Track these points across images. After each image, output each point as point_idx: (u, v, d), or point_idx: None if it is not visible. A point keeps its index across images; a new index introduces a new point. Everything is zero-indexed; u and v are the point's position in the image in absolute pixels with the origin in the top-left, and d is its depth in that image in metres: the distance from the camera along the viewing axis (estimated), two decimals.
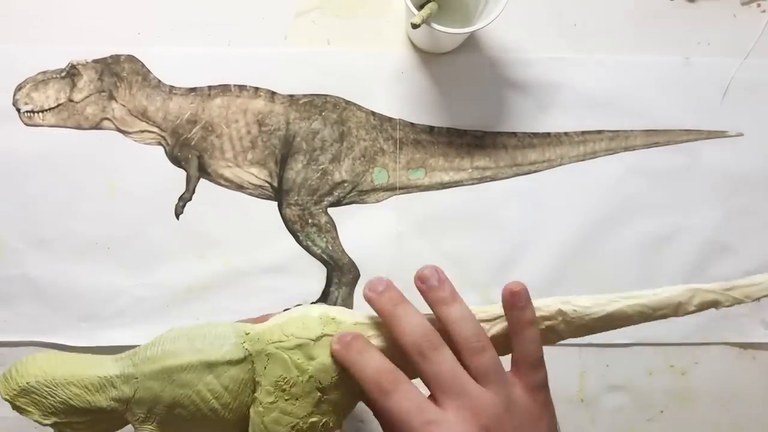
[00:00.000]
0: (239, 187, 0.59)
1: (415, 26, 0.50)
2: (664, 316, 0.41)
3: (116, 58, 0.59)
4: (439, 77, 0.60)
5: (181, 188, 0.59)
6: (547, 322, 0.43)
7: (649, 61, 0.61)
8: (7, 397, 0.43)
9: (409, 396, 0.37)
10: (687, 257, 0.60)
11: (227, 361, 0.42)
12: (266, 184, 0.59)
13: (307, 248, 0.59)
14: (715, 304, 0.41)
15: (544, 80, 0.60)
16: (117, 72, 0.59)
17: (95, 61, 0.59)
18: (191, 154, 0.59)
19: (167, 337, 0.43)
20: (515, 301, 0.40)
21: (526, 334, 0.40)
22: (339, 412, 0.42)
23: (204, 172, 0.59)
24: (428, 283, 0.40)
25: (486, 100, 0.60)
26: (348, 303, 0.59)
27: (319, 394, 0.41)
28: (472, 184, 0.60)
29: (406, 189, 0.60)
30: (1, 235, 0.58)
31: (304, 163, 0.59)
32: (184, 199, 0.59)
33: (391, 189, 0.60)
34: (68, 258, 0.58)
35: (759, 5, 0.62)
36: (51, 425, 0.44)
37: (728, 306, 0.41)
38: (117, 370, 0.43)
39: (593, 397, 0.60)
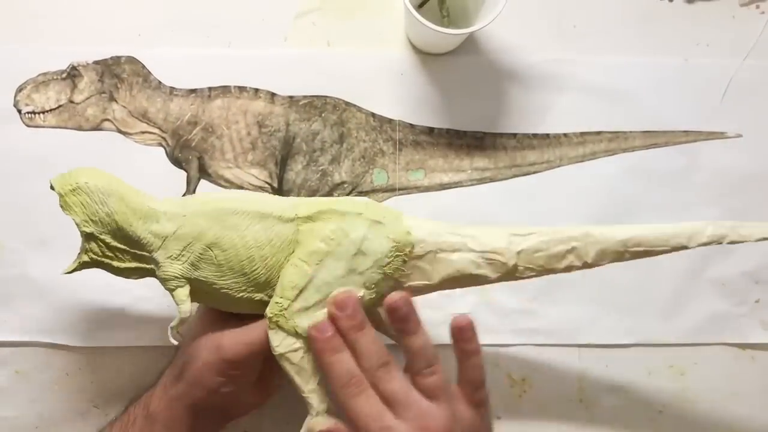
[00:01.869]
0: (239, 188, 0.59)
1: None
2: (678, 245, 0.46)
3: (117, 60, 0.59)
4: (438, 78, 0.60)
5: (182, 189, 0.59)
6: (574, 242, 0.46)
7: (649, 62, 0.61)
8: (60, 190, 0.46)
9: (371, 402, 0.42)
10: (686, 257, 0.60)
11: (279, 216, 0.46)
12: (266, 185, 0.59)
13: None
14: (723, 237, 0.45)
15: (543, 81, 0.60)
16: (118, 73, 0.59)
17: (96, 63, 0.59)
18: (192, 155, 0.59)
19: (226, 191, 0.48)
20: (462, 334, 0.46)
21: (471, 362, 0.46)
22: (370, 287, 0.46)
23: (204, 173, 0.59)
24: (396, 315, 0.44)
25: (485, 101, 0.60)
26: None
27: (355, 263, 0.45)
28: (472, 185, 0.60)
29: (406, 190, 0.60)
30: (1, 235, 0.58)
31: (304, 164, 0.59)
32: None
33: (391, 190, 0.60)
34: (68, 258, 0.58)
35: (758, 6, 0.62)
36: (86, 234, 0.46)
37: (733, 242, 0.45)
38: (166, 207, 0.46)
39: (592, 398, 0.60)
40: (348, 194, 0.60)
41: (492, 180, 0.60)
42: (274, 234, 0.45)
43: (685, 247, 0.46)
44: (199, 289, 0.46)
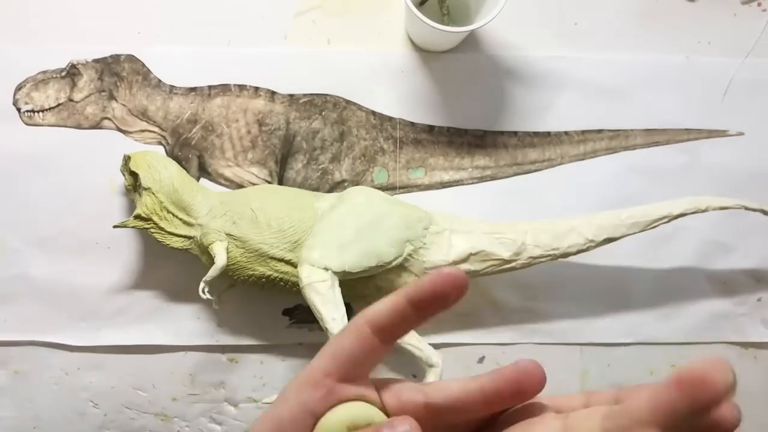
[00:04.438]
0: (239, 187, 0.59)
1: None
2: (659, 214, 0.54)
3: (116, 58, 0.59)
4: (439, 76, 0.60)
5: None
6: (574, 223, 0.54)
7: (650, 60, 0.61)
8: (131, 154, 0.54)
9: None
10: (687, 256, 0.60)
11: (314, 196, 0.56)
12: (266, 184, 0.59)
13: None
14: (697, 209, 0.54)
15: (544, 79, 0.60)
16: (117, 71, 0.59)
17: (95, 61, 0.59)
18: (191, 154, 0.59)
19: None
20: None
21: None
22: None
23: (204, 171, 0.59)
24: None
25: (486, 99, 0.60)
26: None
27: (382, 218, 0.53)
28: (472, 183, 0.60)
29: (407, 188, 0.60)
30: (1, 235, 0.58)
31: (305, 162, 0.59)
32: None
33: (392, 188, 0.60)
34: (68, 258, 0.58)
35: (759, 4, 0.62)
36: (146, 188, 0.53)
37: (708, 208, 0.54)
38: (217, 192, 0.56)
39: None
40: None
41: (493, 178, 0.60)
42: (310, 205, 0.53)
43: (670, 214, 0.53)
44: (234, 247, 0.52)
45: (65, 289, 0.58)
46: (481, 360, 0.60)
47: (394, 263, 0.52)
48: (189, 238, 0.54)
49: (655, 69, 0.61)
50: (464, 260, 0.53)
